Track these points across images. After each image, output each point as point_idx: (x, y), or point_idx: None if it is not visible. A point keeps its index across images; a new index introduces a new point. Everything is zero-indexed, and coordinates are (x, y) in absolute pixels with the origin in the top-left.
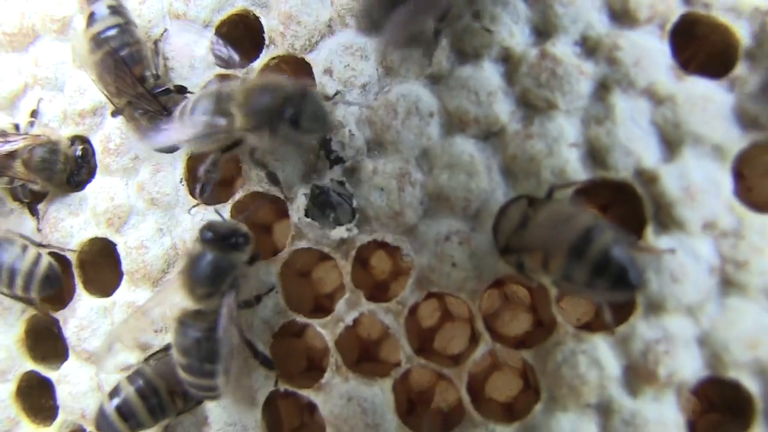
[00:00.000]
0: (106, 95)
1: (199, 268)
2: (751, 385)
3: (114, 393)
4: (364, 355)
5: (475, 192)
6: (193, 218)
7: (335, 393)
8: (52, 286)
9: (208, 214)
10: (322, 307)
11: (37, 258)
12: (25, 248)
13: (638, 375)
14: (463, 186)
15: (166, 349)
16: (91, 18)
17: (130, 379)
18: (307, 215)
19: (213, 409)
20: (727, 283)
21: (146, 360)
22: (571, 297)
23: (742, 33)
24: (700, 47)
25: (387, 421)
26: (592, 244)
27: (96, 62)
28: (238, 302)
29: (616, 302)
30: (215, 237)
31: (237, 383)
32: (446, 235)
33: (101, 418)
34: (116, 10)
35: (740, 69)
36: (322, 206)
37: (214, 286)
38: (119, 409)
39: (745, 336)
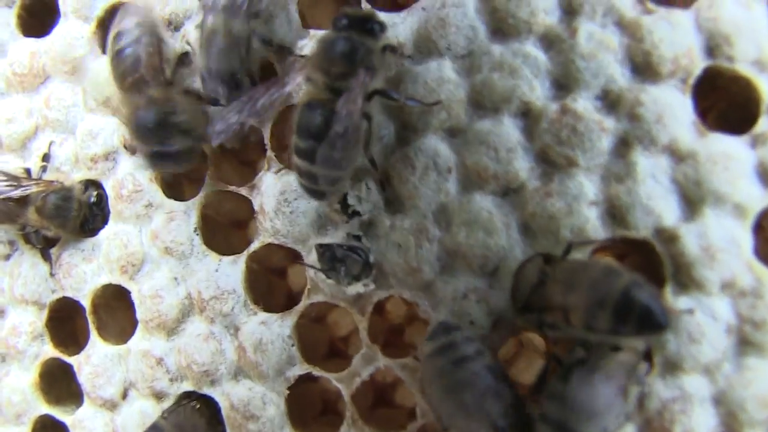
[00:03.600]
0: None
1: (335, 47)
2: None
3: None
4: (379, 399)
5: (493, 249)
6: (208, 269)
7: None
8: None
9: (223, 266)
10: (337, 351)
11: None
12: None
13: None
14: (481, 243)
15: (181, 400)
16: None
17: None
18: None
19: None
20: (745, 343)
21: (162, 415)
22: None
23: (765, 87)
24: (720, 97)
25: None
26: (611, 288)
27: None
28: (368, 89)
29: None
30: (350, 21)
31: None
32: (464, 292)
33: None
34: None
35: (763, 125)
36: (330, 262)
37: (350, 64)
38: None
39: (762, 395)
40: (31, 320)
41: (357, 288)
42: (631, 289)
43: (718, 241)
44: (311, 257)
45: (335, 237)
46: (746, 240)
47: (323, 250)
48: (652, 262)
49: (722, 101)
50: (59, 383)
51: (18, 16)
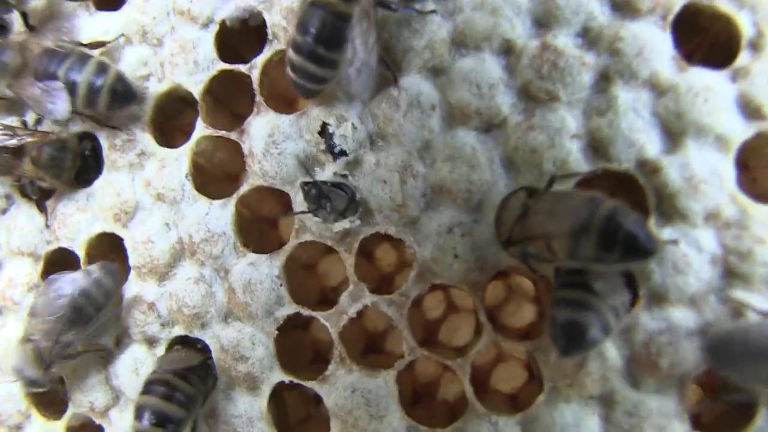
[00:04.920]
0: None
1: None
2: None
3: (140, 412)
4: (370, 347)
5: (477, 184)
6: (199, 213)
7: (339, 385)
8: (123, 101)
9: (213, 209)
10: (327, 299)
11: (101, 67)
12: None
13: (641, 366)
14: (465, 178)
15: (173, 345)
16: None
17: (146, 391)
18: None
19: (220, 401)
20: (731, 275)
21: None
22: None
23: (744, 23)
24: (704, 38)
25: (391, 412)
26: (595, 214)
27: None
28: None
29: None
30: None
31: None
32: (448, 227)
33: None
34: None
35: (743, 58)
36: (316, 199)
37: None
38: (153, 423)
39: None
40: (27, 272)
41: (343, 224)
42: (616, 215)
43: (700, 172)
44: (299, 197)
45: (322, 177)
46: (729, 172)
47: (309, 187)
48: (638, 199)
49: (706, 42)
50: None
51: None
